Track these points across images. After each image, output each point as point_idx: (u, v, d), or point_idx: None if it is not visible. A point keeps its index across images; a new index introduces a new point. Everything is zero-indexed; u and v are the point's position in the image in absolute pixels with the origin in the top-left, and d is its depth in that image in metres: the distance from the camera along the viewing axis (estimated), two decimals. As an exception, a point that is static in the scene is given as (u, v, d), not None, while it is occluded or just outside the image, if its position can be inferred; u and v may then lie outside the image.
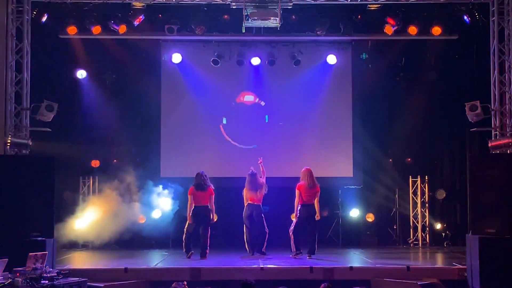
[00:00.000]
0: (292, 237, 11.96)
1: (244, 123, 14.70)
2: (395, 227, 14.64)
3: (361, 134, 14.56)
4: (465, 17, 13.13)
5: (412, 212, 14.43)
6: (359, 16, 13.44)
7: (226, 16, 13.21)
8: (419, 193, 14.38)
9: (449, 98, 14.39)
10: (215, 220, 12.26)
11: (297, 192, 11.97)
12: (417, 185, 14.39)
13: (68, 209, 13.92)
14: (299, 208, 11.98)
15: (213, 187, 12.12)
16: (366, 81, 14.64)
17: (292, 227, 12.00)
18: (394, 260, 11.85)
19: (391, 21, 12.99)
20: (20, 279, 7.97)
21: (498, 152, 11.29)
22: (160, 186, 13.89)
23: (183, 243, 11.95)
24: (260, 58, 14.43)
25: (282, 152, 14.53)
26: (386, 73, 14.65)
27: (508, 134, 11.30)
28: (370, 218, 14.52)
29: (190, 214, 11.88)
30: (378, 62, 14.61)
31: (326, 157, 14.44)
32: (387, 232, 14.60)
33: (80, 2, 12.41)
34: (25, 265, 8.23)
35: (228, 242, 13.85)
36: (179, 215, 13.53)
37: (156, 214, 14.01)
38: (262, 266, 10.54)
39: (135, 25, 13.23)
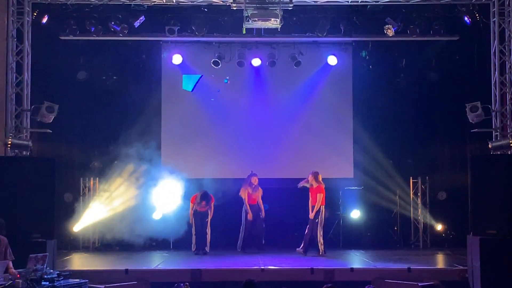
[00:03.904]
0: (322, 240, 12.26)
1: (244, 122, 14.72)
2: (395, 228, 14.61)
3: (362, 135, 14.55)
4: (466, 18, 13.12)
5: (413, 213, 14.40)
6: (359, 17, 13.44)
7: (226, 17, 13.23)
8: (420, 194, 14.35)
9: (450, 99, 14.37)
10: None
11: (322, 195, 12.27)
12: (418, 186, 14.37)
13: (68, 210, 13.92)
14: (323, 209, 12.30)
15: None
16: (367, 82, 14.62)
17: (322, 232, 12.25)
18: (395, 261, 11.83)
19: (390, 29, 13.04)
20: (20, 281, 7.95)
21: (498, 153, 11.28)
22: (161, 187, 13.87)
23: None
24: (260, 59, 14.41)
25: (282, 153, 14.51)
26: (386, 74, 14.64)
27: (508, 135, 11.30)
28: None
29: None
30: (379, 63, 14.60)
31: (326, 158, 14.41)
32: (388, 233, 14.57)
33: (80, 4, 12.40)
34: (26, 267, 8.23)
35: (229, 243, 13.89)
36: (179, 216, 13.52)
37: (156, 215, 14.00)
38: (262, 267, 10.54)
39: (136, 26, 13.23)
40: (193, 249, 13.02)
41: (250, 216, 13.15)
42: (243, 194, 13.21)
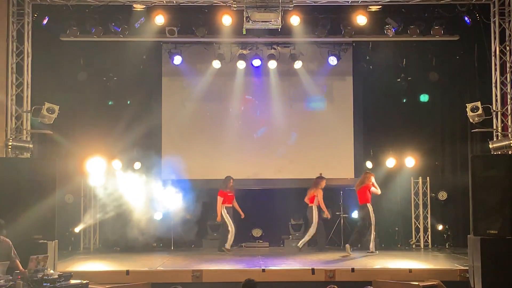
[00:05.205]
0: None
1: (244, 122, 14.72)
2: (396, 228, 14.62)
3: (362, 136, 14.56)
4: (466, 18, 13.11)
5: (414, 214, 14.41)
6: (359, 17, 13.42)
7: (226, 17, 13.18)
8: (420, 194, 14.36)
9: (450, 99, 14.39)
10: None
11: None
12: (419, 186, 14.38)
13: (69, 211, 13.92)
14: None
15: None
16: (367, 82, 14.63)
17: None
18: (396, 261, 11.84)
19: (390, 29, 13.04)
20: (21, 282, 7.95)
21: (499, 153, 11.28)
22: (161, 188, 13.87)
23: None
24: (261, 60, 14.41)
25: (282, 153, 14.51)
26: (387, 74, 14.63)
27: (509, 135, 11.29)
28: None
29: None
30: (379, 63, 14.58)
31: (327, 159, 14.43)
32: (389, 233, 14.58)
33: (81, 5, 12.39)
34: (27, 268, 8.23)
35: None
36: (180, 217, 13.52)
37: (157, 216, 14.01)
38: (263, 267, 10.53)
39: (136, 27, 13.22)
40: (227, 247, 13.01)
41: (328, 215, 13.32)
42: (320, 194, 13.20)
